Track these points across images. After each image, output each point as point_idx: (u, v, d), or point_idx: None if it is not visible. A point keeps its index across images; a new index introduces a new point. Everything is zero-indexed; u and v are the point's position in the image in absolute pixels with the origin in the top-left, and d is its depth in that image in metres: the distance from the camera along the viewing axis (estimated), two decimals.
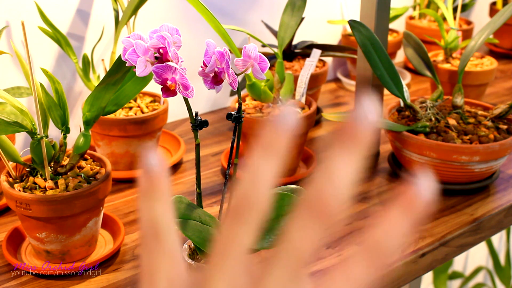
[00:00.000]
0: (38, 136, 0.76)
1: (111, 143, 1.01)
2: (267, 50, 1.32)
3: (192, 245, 0.73)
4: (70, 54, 1.02)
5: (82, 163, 0.84)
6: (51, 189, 0.77)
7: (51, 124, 0.79)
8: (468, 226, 0.91)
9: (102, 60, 1.11)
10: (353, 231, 0.90)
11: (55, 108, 0.77)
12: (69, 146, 0.86)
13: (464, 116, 1.05)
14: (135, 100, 1.07)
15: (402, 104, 1.08)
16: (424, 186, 0.27)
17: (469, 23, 1.60)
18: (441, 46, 1.35)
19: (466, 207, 0.96)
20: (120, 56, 0.68)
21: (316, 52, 1.11)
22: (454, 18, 1.43)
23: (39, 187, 0.78)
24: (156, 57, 0.63)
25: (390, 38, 1.47)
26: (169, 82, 0.62)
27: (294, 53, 1.27)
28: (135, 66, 0.62)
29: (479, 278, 2.09)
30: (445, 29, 1.35)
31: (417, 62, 1.14)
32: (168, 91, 0.63)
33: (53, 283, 0.79)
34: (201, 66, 0.65)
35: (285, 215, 0.67)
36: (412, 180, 0.27)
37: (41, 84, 0.76)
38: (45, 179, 0.79)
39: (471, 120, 1.05)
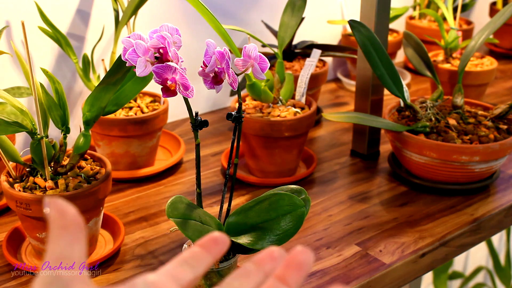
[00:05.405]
0: (38, 136, 0.76)
1: (111, 143, 1.01)
2: (267, 50, 1.32)
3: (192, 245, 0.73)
4: (70, 54, 1.02)
5: (82, 163, 0.84)
6: (51, 189, 0.77)
7: (51, 124, 0.79)
8: (468, 226, 0.91)
9: (102, 60, 1.11)
10: (353, 231, 0.90)
11: (55, 108, 0.77)
12: (69, 146, 0.86)
13: (464, 116, 1.05)
14: (135, 100, 1.07)
15: (402, 104, 1.08)
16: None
17: (469, 23, 1.60)
18: (441, 46, 1.35)
19: (466, 207, 0.96)
20: (120, 56, 0.68)
21: (316, 52, 1.11)
22: (454, 18, 1.43)
23: (39, 187, 0.78)
24: (156, 57, 0.63)
25: (390, 38, 1.47)
26: (169, 82, 0.62)
27: (294, 53, 1.27)
28: (135, 66, 0.62)
29: (479, 278, 2.09)
30: (445, 29, 1.35)
31: (417, 62, 1.14)
32: (168, 91, 0.63)
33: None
34: (201, 66, 0.65)
35: (285, 215, 0.67)
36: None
37: (41, 84, 0.76)
38: (45, 179, 0.79)
39: (471, 120, 1.05)
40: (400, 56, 1.63)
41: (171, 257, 0.84)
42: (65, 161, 0.82)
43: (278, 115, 0.99)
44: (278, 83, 1.04)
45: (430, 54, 1.35)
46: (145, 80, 0.80)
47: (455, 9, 1.50)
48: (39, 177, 0.79)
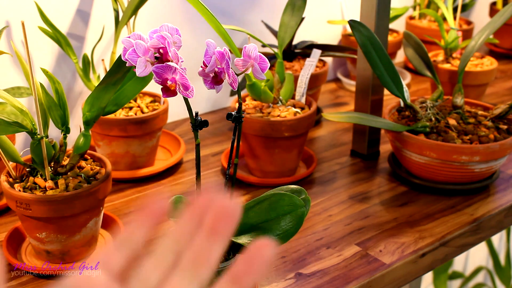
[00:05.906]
0: (38, 136, 0.76)
1: (111, 143, 1.01)
2: (267, 50, 1.32)
3: None
4: (70, 54, 1.02)
5: (82, 163, 0.84)
6: (51, 189, 0.77)
7: (51, 124, 0.79)
8: (468, 226, 0.91)
9: (102, 60, 1.11)
10: (353, 231, 0.90)
11: (55, 108, 0.77)
12: (69, 146, 0.86)
13: (464, 116, 1.05)
14: (135, 100, 1.07)
15: (402, 104, 1.08)
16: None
17: (469, 23, 1.60)
18: (441, 46, 1.35)
19: (466, 207, 0.96)
20: (120, 56, 0.68)
21: (316, 52, 1.11)
22: (454, 18, 1.43)
23: (39, 187, 0.78)
24: (156, 57, 0.63)
25: (390, 38, 1.47)
26: (169, 82, 0.62)
27: (294, 53, 1.27)
28: (135, 66, 0.62)
29: (479, 278, 2.09)
30: (445, 29, 1.35)
31: (417, 62, 1.14)
32: (168, 91, 0.63)
33: (53, 283, 0.79)
34: (201, 66, 0.65)
35: (285, 215, 0.67)
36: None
37: (41, 84, 0.76)
38: (45, 179, 0.79)
39: (471, 120, 1.05)
40: (400, 56, 1.63)
41: None
42: (65, 161, 0.82)
43: (278, 115, 0.99)
44: (278, 83, 1.04)
45: (430, 54, 1.35)
46: (145, 80, 0.80)
47: (455, 9, 1.50)
48: (39, 177, 0.79)
